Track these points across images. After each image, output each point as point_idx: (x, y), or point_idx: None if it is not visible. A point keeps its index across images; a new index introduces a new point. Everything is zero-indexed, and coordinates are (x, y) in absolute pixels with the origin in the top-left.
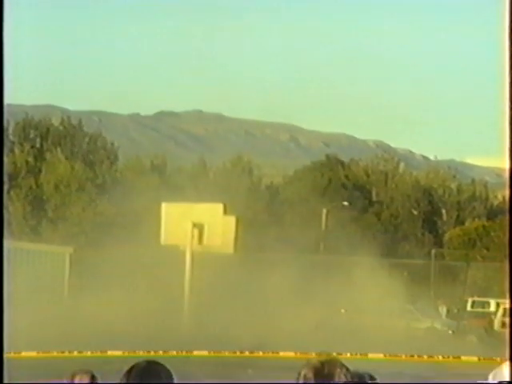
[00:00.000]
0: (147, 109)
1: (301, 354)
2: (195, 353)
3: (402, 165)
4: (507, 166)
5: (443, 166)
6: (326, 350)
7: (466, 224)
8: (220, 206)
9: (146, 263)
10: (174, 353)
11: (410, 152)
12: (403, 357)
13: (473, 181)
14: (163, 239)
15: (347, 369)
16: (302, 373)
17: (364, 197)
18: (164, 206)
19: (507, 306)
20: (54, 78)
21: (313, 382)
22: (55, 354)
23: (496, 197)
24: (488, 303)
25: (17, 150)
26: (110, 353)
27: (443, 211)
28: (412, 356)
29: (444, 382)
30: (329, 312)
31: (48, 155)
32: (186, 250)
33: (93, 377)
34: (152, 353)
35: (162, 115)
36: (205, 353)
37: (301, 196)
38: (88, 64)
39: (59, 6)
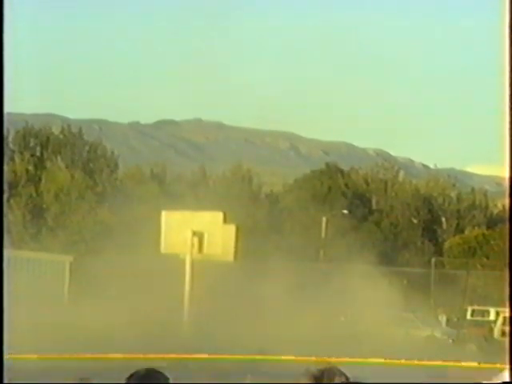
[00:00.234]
0: (147, 117)
1: (301, 360)
2: (194, 356)
3: (401, 173)
4: (507, 175)
5: (443, 174)
6: (325, 357)
7: (466, 232)
8: (220, 215)
9: (145, 271)
10: (174, 357)
11: (410, 160)
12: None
13: (472, 189)
14: (163, 247)
15: (346, 377)
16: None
17: (364, 205)
18: (164, 214)
19: (507, 314)
20: (55, 87)
21: None
22: (55, 359)
23: (496, 205)
24: (488, 312)
25: (17, 159)
26: (110, 355)
27: (443, 220)
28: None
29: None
30: (328, 320)
31: (48, 164)
32: (186, 259)
33: None
34: (151, 357)
35: (161, 123)
36: (204, 356)
37: (301, 204)
38: (88, 73)
39: (60, 14)
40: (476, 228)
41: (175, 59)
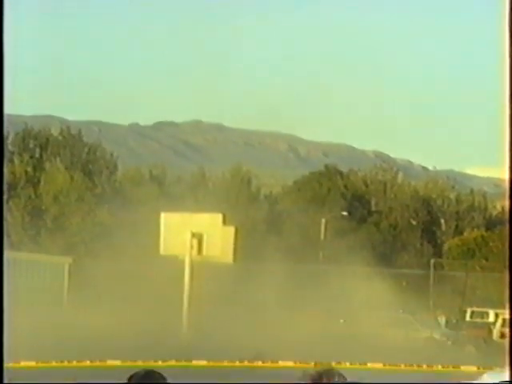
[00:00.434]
0: (146, 119)
1: (300, 364)
2: (194, 362)
3: (400, 175)
4: (507, 177)
5: (442, 176)
6: (324, 359)
7: (465, 234)
8: (219, 216)
9: (145, 273)
10: (173, 362)
11: (409, 162)
12: (402, 366)
13: (472, 191)
14: (162, 249)
15: (344, 379)
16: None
17: (363, 207)
18: (163, 215)
19: (506, 316)
20: (54, 89)
21: None
22: (54, 363)
23: (495, 207)
24: (487, 313)
25: (16, 160)
26: (109, 362)
27: (442, 221)
28: (411, 365)
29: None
30: (328, 322)
31: (47, 165)
32: (185, 260)
33: None
34: (151, 362)
35: (161, 125)
36: (203, 362)
37: (300, 206)
38: (87, 74)
39: (59, 16)
40: (475, 230)
41: (175, 61)
